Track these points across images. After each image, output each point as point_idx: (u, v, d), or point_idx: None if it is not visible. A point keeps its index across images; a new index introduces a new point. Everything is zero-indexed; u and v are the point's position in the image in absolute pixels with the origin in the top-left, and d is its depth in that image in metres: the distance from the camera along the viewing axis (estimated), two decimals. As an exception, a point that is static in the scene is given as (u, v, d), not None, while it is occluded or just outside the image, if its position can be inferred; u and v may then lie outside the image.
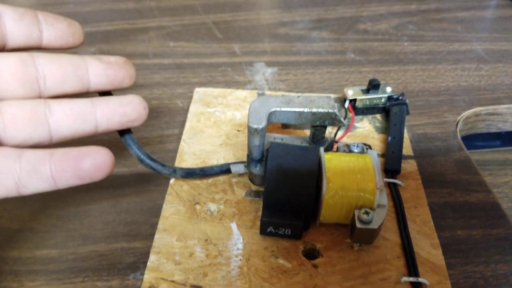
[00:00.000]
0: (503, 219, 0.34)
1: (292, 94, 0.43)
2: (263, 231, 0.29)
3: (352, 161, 0.30)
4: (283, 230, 0.29)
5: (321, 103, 0.30)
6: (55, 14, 0.26)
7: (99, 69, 0.26)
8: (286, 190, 0.29)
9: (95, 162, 0.24)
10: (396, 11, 0.60)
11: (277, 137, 0.33)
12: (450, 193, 0.36)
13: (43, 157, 0.24)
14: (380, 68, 0.49)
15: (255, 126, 0.28)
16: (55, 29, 0.26)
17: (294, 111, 0.30)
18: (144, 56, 0.50)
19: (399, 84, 0.47)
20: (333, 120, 0.30)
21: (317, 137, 0.32)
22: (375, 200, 0.29)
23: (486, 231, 0.33)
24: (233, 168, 0.33)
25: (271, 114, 0.30)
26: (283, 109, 0.30)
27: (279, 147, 0.30)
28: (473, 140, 0.51)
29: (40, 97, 0.25)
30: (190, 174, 0.33)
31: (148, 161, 0.30)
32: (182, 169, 0.33)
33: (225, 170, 0.33)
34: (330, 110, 0.30)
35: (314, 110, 0.30)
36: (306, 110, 0.30)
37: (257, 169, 0.31)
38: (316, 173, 0.29)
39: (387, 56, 0.51)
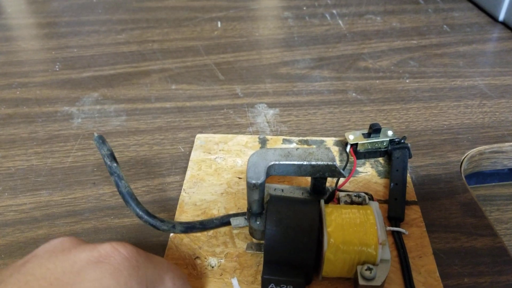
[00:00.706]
0: (510, 264, 0.33)
1: (293, 138, 0.43)
2: None
3: (353, 212, 0.30)
4: (285, 286, 0.28)
5: (320, 155, 0.30)
6: None
7: None
8: (286, 246, 0.28)
9: None
10: (397, 47, 0.60)
11: (277, 188, 0.33)
12: (455, 238, 0.35)
13: None
14: (382, 107, 0.49)
15: (253, 182, 0.28)
16: None
17: (293, 164, 0.30)
18: (146, 100, 0.50)
19: (401, 124, 0.47)
20: (333, 172, 0.30)
21: (318, 188, 0.32)
22: (378, 255, 0.28)
23: (493, 278, 0.32)
24: (233, 222, 0.32)
25: (270, 168, 0.29)
26: (282, 162, 0.30)
27: (279, 201, 0.30)
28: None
29: None
30: (189, 228, 0.33)
31: (146, 217, 0.30)
32: (181, 223, 0.33)
33: (225, 222, 0.33)
34: (330, 163, 0.30)
35: (313, 162, 0.30)
36: (305, 163, 0.30)
37: (257, 224, 0.30)
38: (316, 229, 0.28)
39: (388, 94, 0.51)
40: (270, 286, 0.29)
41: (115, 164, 0.30)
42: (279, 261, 0.29)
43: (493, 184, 0.52)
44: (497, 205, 0.49)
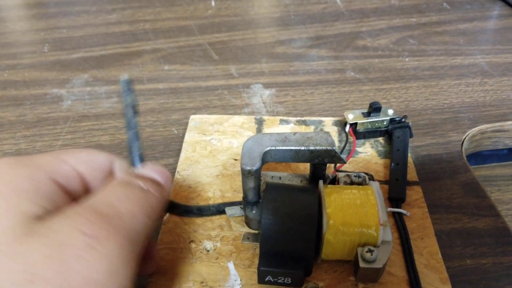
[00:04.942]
0: (514, 245, 0.32)
1: (290, 118, 0.42)
2: (261, 280, 0.28)
3: (353, 193, 0.29)
4: (283, 279, 0.27)
5: (319, 140, 0.28)
6: None
7: None
8: (284, 236, 0.27)
9: None
10: (396, 25, 0.59)
11: (275, 175, 0.31)
12: (457, 219, 0.34)
13: None
14: (381, 86, 0.48)
15: (248, 168, 0.26)
16: None
17: (291, 150, 0.28)
18: (138, 81, 0.49)
19: (400, 103, 0.45)
20: (332, 157, 0.29)
21: (317, 175, 0.31)
22: (379, 237, 0.27)
23: (496, 259, 0.32)
24: (229, 212, 0.30)
25: (265, 154, 0.28)
26: (278, 148, 0.28)
27: (275, 189, 0.28)
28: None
29: None
30: (186, 212, 0.31)
31: None
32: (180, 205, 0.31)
33: (221, 211, 0.31)
34: (329, 148, 0.28)
35: (312, 148, 0.28)
36: (303, 148, 0.28)
37: (253, 213, 0.29)
38: (316, 218, 0.27)
39: (387, 73, 0.50)
40: (267, 278, 0.28)
41: (135, 120, 0.26)
42: (277, 252, 0.27)
43: (494, 164, 0.52)
44: (497, 186, 0.48)
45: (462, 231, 0.33)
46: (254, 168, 0.26)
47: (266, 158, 0.28)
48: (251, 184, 0.27)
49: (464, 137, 0.41)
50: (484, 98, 0.46)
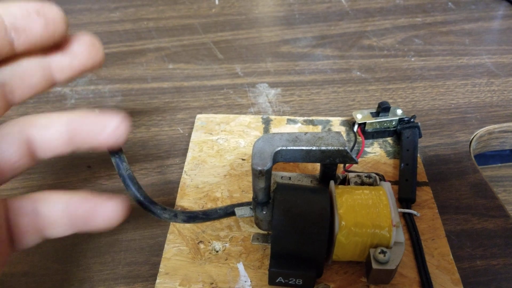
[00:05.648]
0: (524, 247, 0.32)
1: (297, 118, 0.41)
2: (272, 281, 0.27)
3: (365, 194, 0.28)
4: (294, 280, 0.27)
5: (330, 140, 0.28)
6: (28, 8, 0.21)
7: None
8: (295, 237, 0.26)
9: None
10: (401, 24, 0.58)
11: (285, 176, 0.31)
12: (466, 220, 0.34)
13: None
14: (388, 86, 0.47)
15: (259, 168, 0.26)
16: (27, 35, 0.21)
17: (302, 150, 0.28)
18: (142, 80, 0.48)
19: (407, 103, 0.45)
20: (344, 157, 0.28)
21: (328, 175, 0.30)
22: (392, 238, 0.27)
23: (506, 260, 0.31)
24: (238, 212, 0.30)
25: (276, 154, 0.27)
26: (289, 147, 0.28)
27: (286, 189, 0.28)
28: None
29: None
30: (192, 218, 0.30)
31: (147, 204, 0.28)
32: (183, 213, 0.30)
33: (229, 212, 0.31)
34: (341, 148, 0.28)
35: (323, 148, 0.28)
36: (314, 148, 0.28)
37: (263, 213, 0.28)
38: (328, 219, 0.27)
39: (394, 73, 0.49)
40: (278, 279, 0.27)
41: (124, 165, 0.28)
42: (288, 253, 0.27)
43: (499, 165, 0.51)
44: (503, 186, 0.48)
45: (471, 232, 0.33)
46: (265, 168, 0.26)
47: (276, 158, 0.28)
48: (261, 184, 0.27)
49: (471, 137, 0.41)
50: (491, 99, 0.46)
